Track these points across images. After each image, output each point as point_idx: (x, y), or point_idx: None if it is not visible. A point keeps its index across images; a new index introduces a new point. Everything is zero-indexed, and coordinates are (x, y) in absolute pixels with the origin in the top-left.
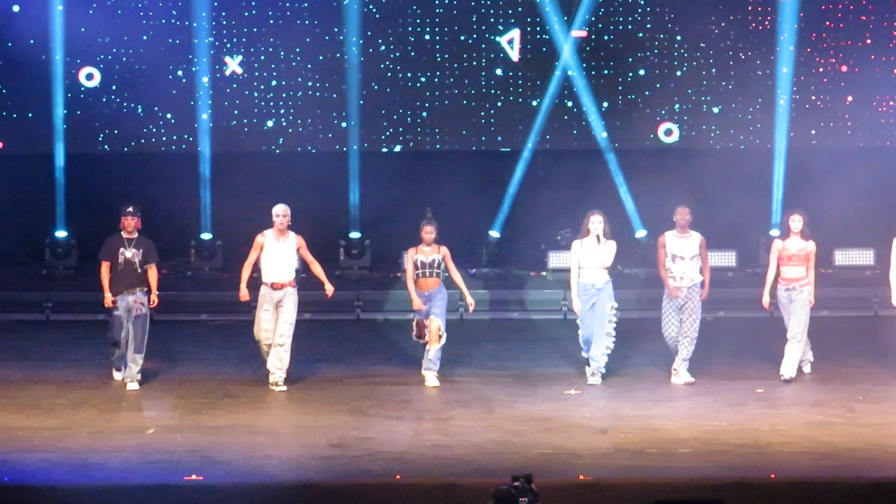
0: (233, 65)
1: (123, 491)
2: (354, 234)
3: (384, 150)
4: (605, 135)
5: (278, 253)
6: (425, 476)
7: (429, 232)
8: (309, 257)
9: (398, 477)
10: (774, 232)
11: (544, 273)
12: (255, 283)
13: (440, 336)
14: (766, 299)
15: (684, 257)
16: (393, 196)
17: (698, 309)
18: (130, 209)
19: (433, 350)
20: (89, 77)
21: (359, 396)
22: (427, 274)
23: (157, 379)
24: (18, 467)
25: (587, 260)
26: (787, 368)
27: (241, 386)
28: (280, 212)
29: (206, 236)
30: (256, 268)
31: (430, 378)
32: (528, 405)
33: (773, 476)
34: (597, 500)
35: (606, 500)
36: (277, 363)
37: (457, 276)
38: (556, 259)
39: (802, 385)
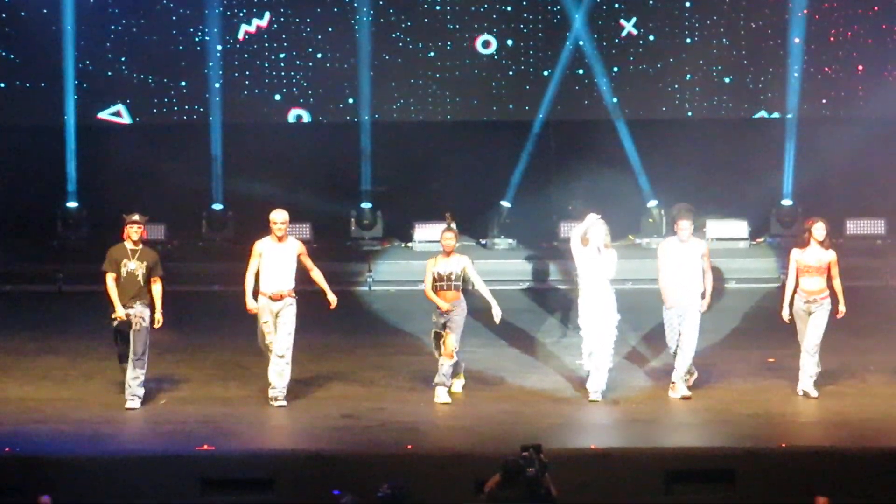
0: (628, 26)
1: (136, 461)
2: (366, 205)
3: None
4: (615, 100)
5: (277, 260)
6: (437, 446)
7: (447, 238)
8: (309, 264)
9: (409, 447)
10: (787, 201)
11: (555, 243)
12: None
13: (453, 353)
14: (785, 312)
15: (685, 268)
16: (404, 167)
17: (698, 322)
18: (136, 217)
19: (446, 365)
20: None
21: (371, 367)
22: (444, 287)
23: (169, 350)
24: (31, 438)
25: (587, 271)
26: (806, 384)
27: (253, 357)
28: (278, 219)
29: (218, 207)
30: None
31: (442, 394)
32: (539, 376)
33: (783, 445)
34: (608, 470)
35: (618, 470)
36: (278, 378)
37: (482, 287)
38: (567, 229)
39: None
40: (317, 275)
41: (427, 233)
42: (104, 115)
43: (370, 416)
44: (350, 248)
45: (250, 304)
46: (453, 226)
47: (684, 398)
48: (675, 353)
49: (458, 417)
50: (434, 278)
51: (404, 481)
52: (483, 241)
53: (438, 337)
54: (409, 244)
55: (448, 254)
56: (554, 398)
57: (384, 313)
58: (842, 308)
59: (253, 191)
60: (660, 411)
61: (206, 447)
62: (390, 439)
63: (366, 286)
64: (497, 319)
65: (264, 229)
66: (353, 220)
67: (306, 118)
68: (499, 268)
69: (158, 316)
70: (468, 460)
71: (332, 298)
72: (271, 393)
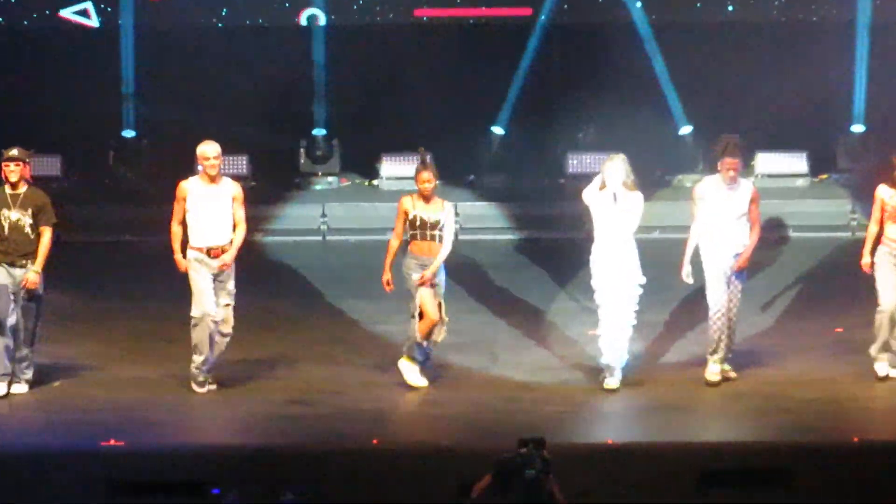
0: None
1: (25, 459)
2: (319, 132)
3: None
4: (639, 4)
5: (210, 206)
6: (411, 441)
7: (427, 180)
8: (239, 215)
9: (376, 441)
10: (857, 128)
11: (562, 180)
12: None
13: (439, 322)
14: (865, 260)
15: (728, 216)
16: (369, 82)
17: (742, 283)
18: (13, 153)
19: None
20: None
21: (327, 340)
22: (429, 236)
23: (69, 317)
24: None
25: (602, 220)
26: (881, 367)
27: (178, 326)
28: (210, 153)
29: (129, 134)
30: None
31: (415, 374)
32: (542, 350)
33: (856, 440)
34: (628, 469)
35: (640, 469)
36: (210, 354)
37: (448, 244)
38: (576, 162)
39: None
40: (239, 235)
41: (397, 167)
42: (67, 13)
43: (326, 402)
44: (299, 187)
45: (181, 261)
46: (429, 160)
47: (727, 379)
48: (716, 321)
49: (437, 404)
50: (415, 224)
51: (312, 486)
52: (469, 178)
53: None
54: (375, 182)
55: (427, 199)
56: (559, 380)
57: (343, 270)
58: None
59: (175, 114)
60: (694, 397)
61: (113, 442)
62: (352, 431)
63: (319, 235)
64: (424, 280)
65: (189, 164)
66: (302, 151)
67: (322, 20)
68: (489, 212)
69: (32, 274)
70: (451, 458)
71: (227, 259)
72: (196, 374)
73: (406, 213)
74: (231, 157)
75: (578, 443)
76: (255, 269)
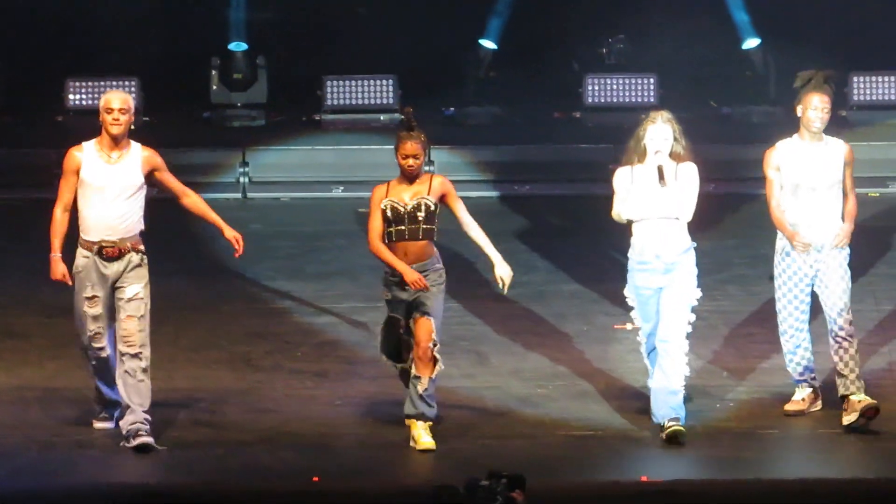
0: None
1: None
2: (237, 46)
3: None
4: None
5: (110, 184)
6: (363, 478)
7: (412, 153)
8: (175, 183)
9: (317, 479)
10: None
11: (577, 114)
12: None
13: (432, 352)
14: None
15: (816, 187)
16: None
17: (845, 269)
18: None
19: (425, 381)
20: None
21: (245, 335)
22: (406, 234)
23: None
24: None
25: (642, 205)
26: None
27: (33, 318)
28: (115, 102)
29: None
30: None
31: (423, 434)
32: (548, 351)
33: None
34: None
35: None
36: (136, 396)
37: (476, 232)
38: (599, 89)
39: None
40: (200, 203)
41: (346, 94)
42: None
43: (245, 426)
44: (210, 124)
45: (57, 266)
46: (416, 125)
47: (866, 414)
48: (799, 344)
49: (400, 428)
50: (387, 218)
51: None
52: (449, 111)
53: (393, 328)
54: (316, 116)
55: (411, 178)
56: (575, 391)
57: (269, 240)
58: None
59: (32, 24)
60: (771, 412)
61: None
62: (283, 465)
63: (237, 191)
64: (503, 285)
65: (54, 90)
66: (214, 73)
67: None
68: (474, 158)
69: None
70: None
71: (231, 235)
72: (134, 428)
73: (381, 206)
74: (116, 81)
75: (599, 480)
76: (146, 238)
